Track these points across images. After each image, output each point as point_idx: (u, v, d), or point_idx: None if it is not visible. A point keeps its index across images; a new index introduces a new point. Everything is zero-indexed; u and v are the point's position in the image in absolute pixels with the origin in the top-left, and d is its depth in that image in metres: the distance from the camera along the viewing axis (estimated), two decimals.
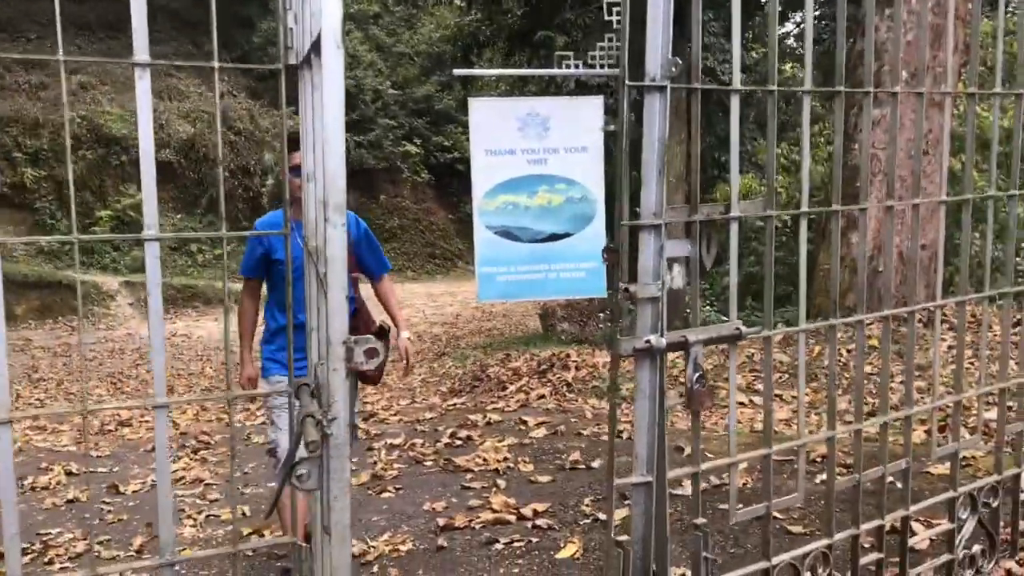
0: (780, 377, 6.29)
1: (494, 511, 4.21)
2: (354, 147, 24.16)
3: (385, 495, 4.72)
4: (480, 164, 7.50)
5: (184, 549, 4.15)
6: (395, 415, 7.28)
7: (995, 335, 5.68)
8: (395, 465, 5.31)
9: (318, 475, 1.15)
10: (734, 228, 2.19)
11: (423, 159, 26.77)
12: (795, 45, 19.35)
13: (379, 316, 3.86)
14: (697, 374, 2.14)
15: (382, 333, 3.61)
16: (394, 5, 28.43)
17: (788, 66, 17.39)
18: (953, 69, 4.92)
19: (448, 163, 26.54)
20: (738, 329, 2.20)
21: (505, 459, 5.16)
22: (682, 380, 5.67)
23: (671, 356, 3.68)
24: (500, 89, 14.95)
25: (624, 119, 1.92)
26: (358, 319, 3.63)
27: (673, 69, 1.95)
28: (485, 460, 5.13)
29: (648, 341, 2.06)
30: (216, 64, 1.57)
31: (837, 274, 2.48)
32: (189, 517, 4.64)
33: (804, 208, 2.33)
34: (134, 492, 5.27)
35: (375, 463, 5.38)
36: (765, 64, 2.24)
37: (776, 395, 5.90)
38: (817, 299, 7.65)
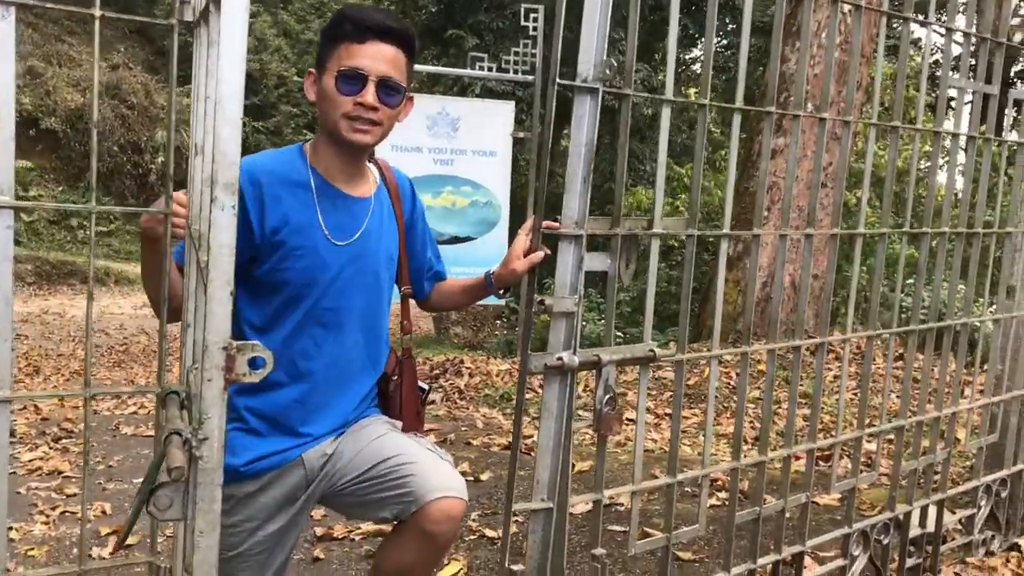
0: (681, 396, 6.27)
1: (375, 523, 4.01)
2: (252, 132, 23.42)
3: None
4: (385, 160, 7.25)
5: (32, 549, 3.80)
6: None
7: (897, 369, 5.79)
8: None
9: (181, 504, 0.96)
10: (655, 245, 2.07)
11: None
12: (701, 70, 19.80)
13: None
14: (607, 396, 2.01)
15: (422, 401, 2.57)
16: None
17: (693, 91, 17.70)
18: (856, 105, 5.00)
19: None
20: (652, 351, 2.08)
21: None
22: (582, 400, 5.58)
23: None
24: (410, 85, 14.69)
25: (549, 120, 1.78)
26: (395, 398, 2.48)
27: (607, 71, 1.82)
28: None
29: (560, 359, 1.93)
30: (97, 12, 1.35)
31: (752, 302, 2.41)
32: (41, 513, 4.27)
33: (726, 230, 2.25)
34: None
35: None
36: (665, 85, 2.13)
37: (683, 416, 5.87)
38: (708, 321, 7.70)
